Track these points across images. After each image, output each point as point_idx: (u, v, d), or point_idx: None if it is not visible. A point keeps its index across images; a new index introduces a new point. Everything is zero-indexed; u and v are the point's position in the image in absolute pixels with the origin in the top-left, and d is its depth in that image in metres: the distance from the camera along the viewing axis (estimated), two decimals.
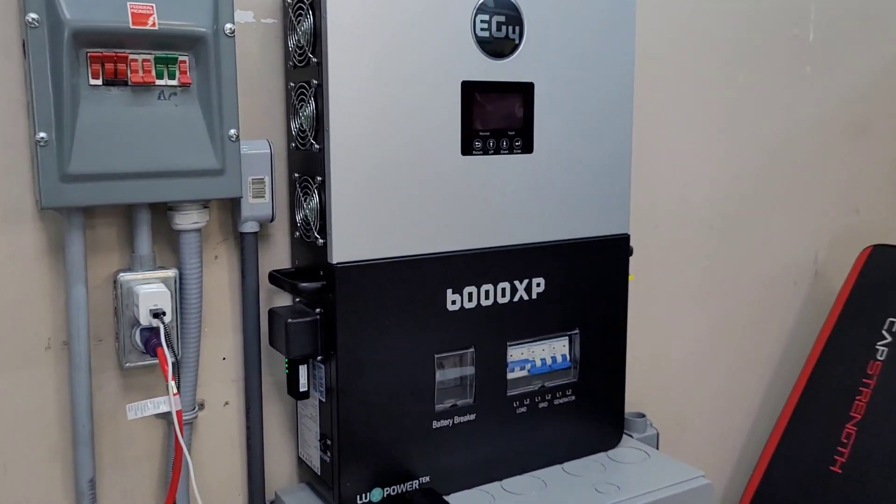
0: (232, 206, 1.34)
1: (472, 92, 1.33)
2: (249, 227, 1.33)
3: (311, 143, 1.28)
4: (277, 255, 1.41)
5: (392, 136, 1.27)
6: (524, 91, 1.39)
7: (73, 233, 1.20)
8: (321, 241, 1.28)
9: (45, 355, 1.24)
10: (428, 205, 1.32)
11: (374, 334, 1.29)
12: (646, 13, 1.72)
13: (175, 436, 1.19)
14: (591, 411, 1.56)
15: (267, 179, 1.31)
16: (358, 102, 1.23)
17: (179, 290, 1.29)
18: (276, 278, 1.35)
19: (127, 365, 1.24)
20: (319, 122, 1.25)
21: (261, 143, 1.31)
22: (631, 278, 1.60)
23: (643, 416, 1.79)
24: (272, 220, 1.33)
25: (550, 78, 1.40)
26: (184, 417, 1.32)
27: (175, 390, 1.17)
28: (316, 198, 1.28)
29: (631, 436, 1.74)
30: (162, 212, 1.28)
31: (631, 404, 1.85)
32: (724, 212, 1.99)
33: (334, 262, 1.25)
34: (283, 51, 1.35)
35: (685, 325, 1.98)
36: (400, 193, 1.29)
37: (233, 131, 1.23)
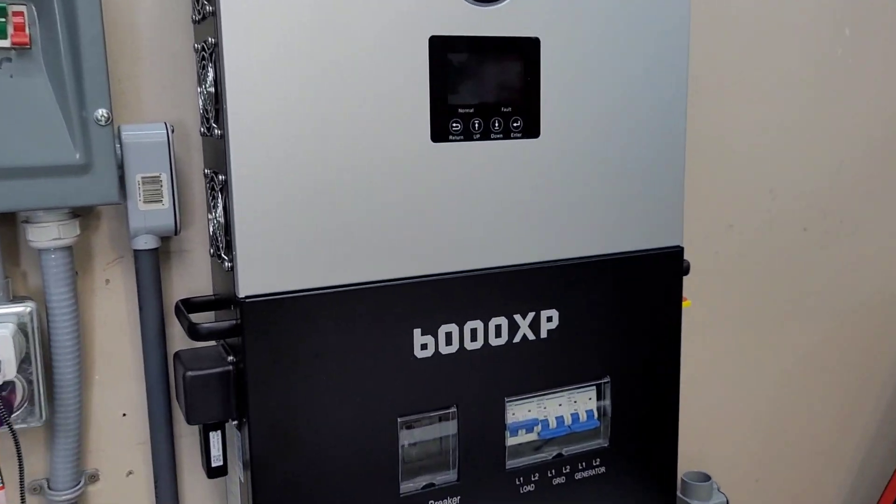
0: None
1: (445, 52, 0.94)
2: (143, 242, 0.97)
3: (213, 127, 0.91)
4: (197, 277, 1.06)
5: (323, 115, 0.89)
6: (525, 50, 0.98)
7: None
8: (228, 263, 0.91)
9: None
10: (381, 212, 0.94)
11: (304, 392, 0.93)
12: None
13: None
14: (629, 486, 1.15)
15: (164, 177, 0.96)
16: (267, 68, 0.86)
17: (49, 328, 0.95)
18: (179, 311, 0.99)
19: None
20: (219, 98, 0.88)
21: (154, 127, 0.95)
22: (686, 304, 1.18)
23: (708, 478, 1.37)
24: (176, 232, 0.98)
25: (565, 30, 0.99)
26: (61, 496, 0.99)
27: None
28: (221, 203, 0.92)
29: None
30: (19, 225, 0.95)
31: (690, 462, 1.43)
32: (824, 209, 1.53)
33: (241, 295, 0.89)
34: None
35: (764, 359, 1.53)
36: (337, 197, 0.91)
37: (101, 112, 0.88)
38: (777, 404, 1.57)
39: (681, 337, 1.16)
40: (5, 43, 0.83)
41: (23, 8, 0.84)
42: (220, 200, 0.92)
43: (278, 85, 0.86)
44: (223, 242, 0.92)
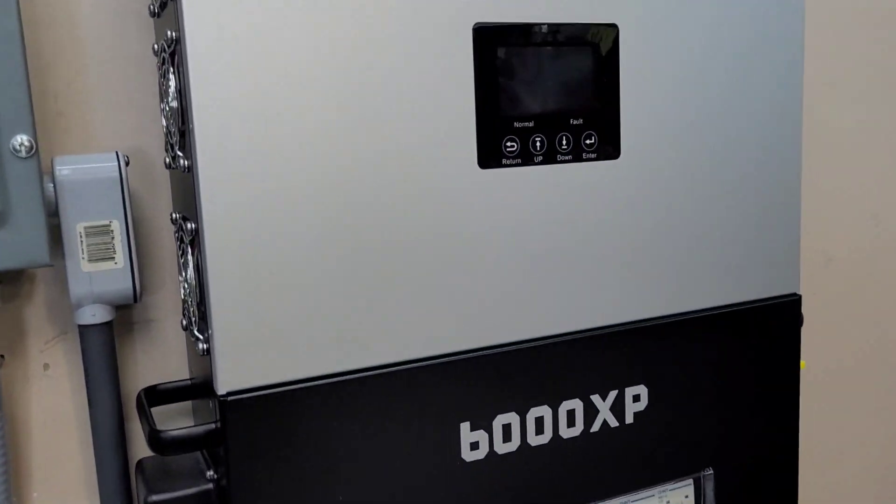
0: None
1: (495, 46, 0.69)
2: (90, 315, 0.72)
3: (178, 156, 0.66)
4: (167, 353, 0.80)
5: (329, 137, 0.64)
6: (599, 41, 0.73)
7: None
8: (204, 345, 0.65)
9: None
10: (412, 265, 0.68)
11: None
12: None
13: None
14: None
15: (117, 226, 0.70)
16: (251, 69, 0.61)
17: None
18: (140, 407, 0.73)
19: None
20: (185, 115, 0.63)
21: (101, 158, 0.70)
22: (802, 366, 0.92)
23: None
24: (136, 298, 0.72)
25: (652, 14, 0.74)
26: None
27: None
28: (192, 260, 0.66)
29: None
30: None
31: None
32: None
33: (221, 391, 0.63)
34: None
35: (882, 420, 1.26)
36: (352, 247, 0.66)
37: (20, 139, 0.63)
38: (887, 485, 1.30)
39: (799, 409, 0.90)
40: None
41: None
42: (191, 257, 0.66)
43: (265, 94, 0.61)
44: (196, 314, 0.67)
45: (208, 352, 0.65)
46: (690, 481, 0.85)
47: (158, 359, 0.79)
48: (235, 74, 0.60)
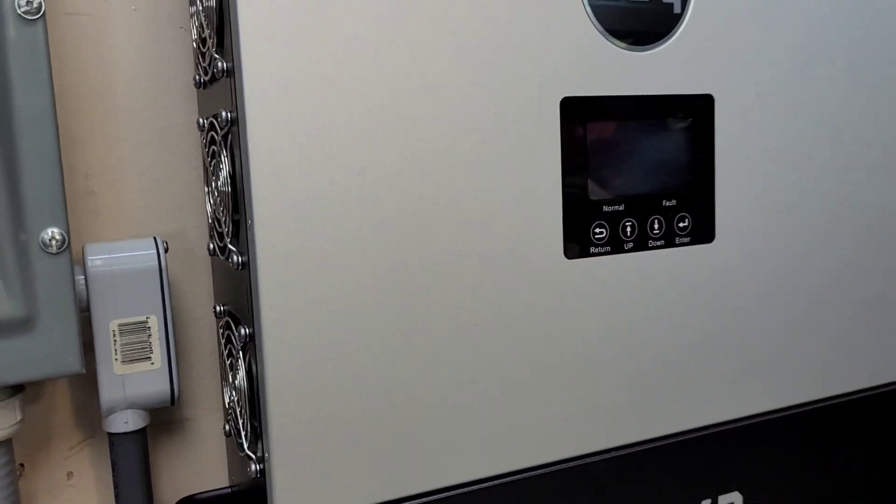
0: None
1: (586, 119, 0.61)
2: (122, 422, 0.63)
3: (230, 250, 0.58)
4: (204, 461, 0.71)
5: (402, 226, 0.56)
6: (694, 112, 0.65)
7: None
8: (257, 465, 0.57)
9: None
10: (493, 372, 0.60)
11: None
12: None
13: None
14: None
15: (155, 321, 0.62)
16: (313, 155, 0.53)
17: None
18: None
19: None
20: (238, 204, 0.55)
21: (138, 245, 0.62)
22: None
23: None
24: (172, 401, 0.64)
25: (749, 83, 0.67)
26: None
27: None
28: (243, 367, 0.58)
29: None
30: None
31: None
32: None
33: None
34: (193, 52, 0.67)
35: None
36: (430, 354, 0.57)
37: (51, 232, 0.55)
38: None
39: None
40: None
41: None
42: (242, 362, 0.58)
43: (332, 184, 0.53)
44: (247, 426, 0.59)
45: (263, 473, 0.56)
46: None
47: (193, 463, 0.71)
48: (306, 163, 0.52)
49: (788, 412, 0.72)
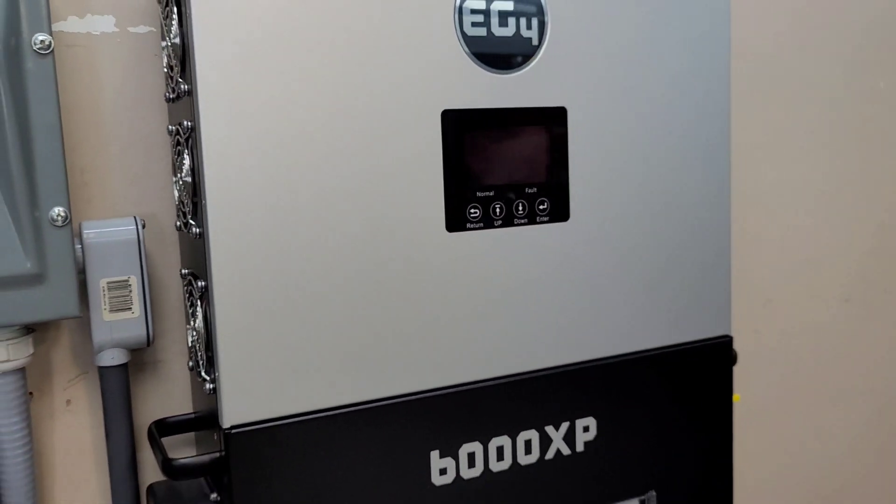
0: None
1: (461, 128, 0.81)
2: (109, 357, 0.83)
3: (191, 224, 0.78)
4: (173, 391, 0.91)
5: (318, 207, 0.75)
6: (550, 122, 0.85)
7: None
8: (210, 385, 0.77)
9: None
10: (389, 317, 0.79)
11: None
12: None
13: None
14: None
15: (134, 281, 0.81)
16: (251, 152, 0.72)
17: None
18: (151, 437, 0.84)
19: None
20: (197, 190, 0.74)
21: (121, 223, 0.81)
22: (737, 398, 1.04)
23: None
24: (148, 342, 0.83)
25: (596, 98, 0.87)
26: None
27: None
28: (201, 311, 0.78)
29: None
30: None
31: None
32: (867, 278, 1.40)
33: (226, 424, 0.74)
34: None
35: (815, 441, 1.38)
36: (337, 301, 0.77)
37: (57, 210, 0.74)
38: (831, 492, 1.41)
39: (732, 438, 1.01)
40: None
41: None
42: (199, 309, 0.78)
43: (265, 174, 0.73)
44: (203, 358, 0.78)
45: (214, 391, 0.76)
46: (637, 502, 0.96)
47: (165, 395, 0.90)
48: (245, 159, 0.72)
49: (630, 357, 0.92)
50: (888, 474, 1.48)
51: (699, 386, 0.98)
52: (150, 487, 0.83)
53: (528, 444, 0.87)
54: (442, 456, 0.83)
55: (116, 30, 0.84)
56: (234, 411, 0.74)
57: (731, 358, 1.01)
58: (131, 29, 0.85)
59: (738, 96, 1.20)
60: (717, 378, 0.99)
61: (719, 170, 0.96)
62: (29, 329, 0.80)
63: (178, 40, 0.75)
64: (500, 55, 0.82)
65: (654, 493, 0.96)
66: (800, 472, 1.38)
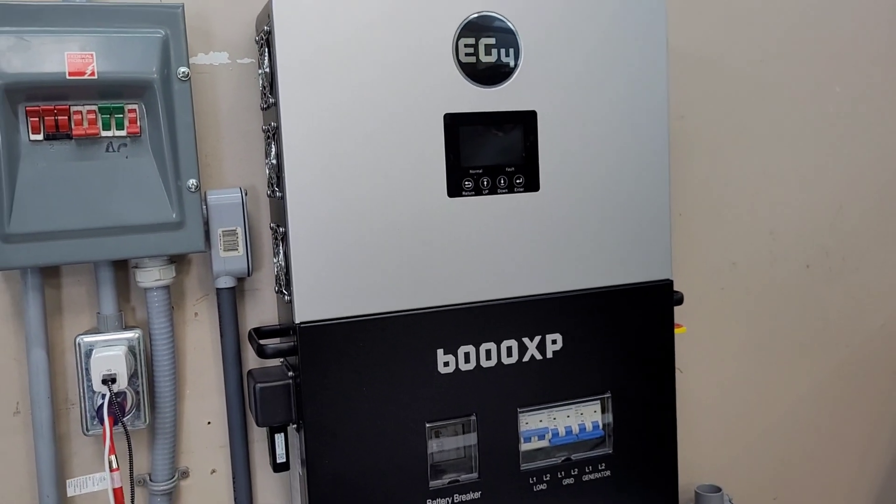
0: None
1: (458, 126, 1.18)
2: (223, 282, 1.23)
3: (276, 191, 1.17)
4: (265, 310, 1.31)
5: (361, 179, 1.13)
6: (524, 121, 1.21)
7: (31, 294, 1.15)
8: (287, 297, 1.16)
9: (12, 421, 1.20)
10: (408, 255, 1.17)
11: (348, 401, 1.15)
12: (702, 8, 1.50)
13: None
14: (634, 489, 1.33)
15: (240, 230, 1.21)
16: (316, 144, 1.11)
17: (152, 351, 1.21)
18: (251, 337, 1.24)
19: (91, 432, 1.17)
20: (280, 168, 1.14)
21: (231, 191, 1.22)
22: (681, 330, 1.37)
23: (718, 489, 1.53)
24: (249, 273, 1.23)
25: (558, 103, 1.22)
26: (159, 487, 1.24)
27: (115, 465, 1.09)
28: (282, 250, 1.17)
29: None
30: (130, 269, 1.22)
31: (707, 477, 1.59)
32: (826, 248, 1.69)
33: (297, 321, 1.13)
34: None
35: (775, 390, 1.68)
36: (373, 243, 1.15)
37: (192, 181, 1.14)
38: (789, 435, 1.71)
39: (674, 358, 1.34)
40: (122, 132, 1.11)
41: (135, 106, 1.12)
42: (281, 248, 1.17)
43: (325, 157, 1.11)
44: (284, 281, 1.17)
45: (290, 301, 1.15)
46: (597, 401, 1.30)
47: (259, 312, 1.30)
48: (311, 148, 1.10)
49: (589, 291, 1.26)
50: (825, 418, 1.76)
51: (645, 317, 1.31)
52: (250, 371, 1.23)
53: (509, 349, 1.23)
54: (445, 353, 1.20)
55: (229, 61, 1.25)
56: (303, 312, 1.13)
57: (673, 297, 1.34)
58: (239, 60, 1.25)
59: (696, 91, 1.52)
60: (661, 312, 1.33)
61: (659, 152, 1.29)
62: (172, 260, 1.20)
63: (268, 69, 1.14)
64: (486, 75, 1.18)
65: (609, 395, 1.30)
66: (758, 409, 1.68)
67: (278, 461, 1.22)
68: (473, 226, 1.20)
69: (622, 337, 1.30)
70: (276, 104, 1.11)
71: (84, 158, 1.10)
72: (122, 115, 1.11)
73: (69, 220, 1.10)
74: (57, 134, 1.08)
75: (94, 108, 1.10)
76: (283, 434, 1.22)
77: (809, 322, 1.69)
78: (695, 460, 1.60)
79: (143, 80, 1.10)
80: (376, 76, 1.13)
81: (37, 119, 1.08)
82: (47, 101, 1.08)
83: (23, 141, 1.08)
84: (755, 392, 1.66)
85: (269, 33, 1.11)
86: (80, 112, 1.09)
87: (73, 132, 1.09)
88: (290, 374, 1.18)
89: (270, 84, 1.14)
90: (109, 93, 1.10)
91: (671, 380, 1.34)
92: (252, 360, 1.29)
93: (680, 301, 1.35)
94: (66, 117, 1.08)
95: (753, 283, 1.63)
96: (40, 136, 1.08)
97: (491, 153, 1.20)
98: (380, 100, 1.13)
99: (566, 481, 1.28)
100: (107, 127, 1.11)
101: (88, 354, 1.15)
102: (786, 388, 1.69)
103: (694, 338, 1.56)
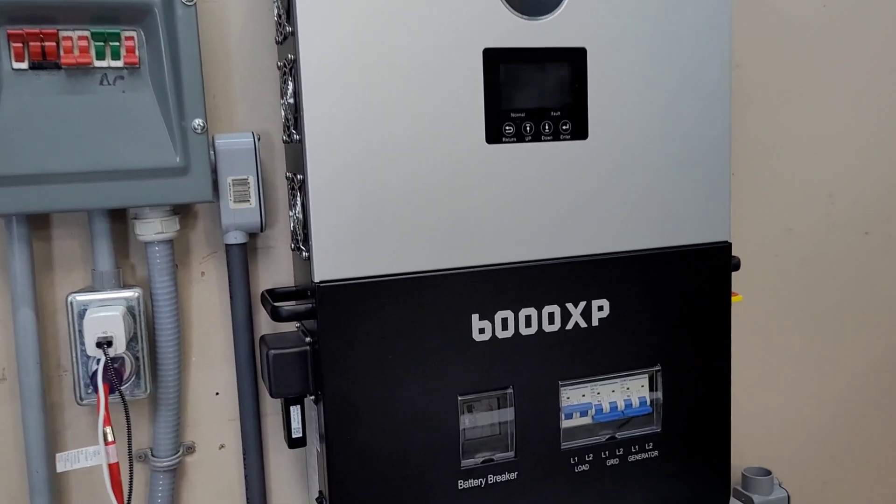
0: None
1: (498, 63, 1.04)
2: (233, 237, 1.10)
3: (293, 134, 1.04)
4: (279, 270, 1.18)
5: (388, 121, 1.00)
6: (573, 59, 1.07)
7: (16, 246, 1.02)
8: (305, 253, 1.03)
9: None
10: (441, 207, 1.04)
11: (372, 371, 1.03)
12: None
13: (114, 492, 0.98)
14: (682, 470, 1.21)
15: (252, 180, 1.08)
16: (339, 80, 0.98)
17: (153, 312, 1.09)
18: (264, 299, 1.11)
19: (85, 402, 1.05)
20: (298, 108, 1.00)
21: (243, 136, 1.08)
22: (737, 298, 1.24)
23: (768, 473, 1.41)
24: (262, 228, 1.10)
25: (610, 41, 1.08)
26: (161, 463, 1.12)
27: (110, 438, 0.97)
28: (300, 201, 1.04)
29: (751, 499, 1.37)
30: (129, 221, 1.09)
31: (754, 459, 1.47)
32: (886, 213, 1.55)
33: (316, 280, 1.00)
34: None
35: (828, 363, 1.55)
36: (401, 194, 1.02)
37: (198, 122, 1.01)
38: (843, 409, 1.58)
39: (730, 330, 1.21)
40: (118, 63, 0.98)
41: (133, 33, 0.98)
42: (298, 199, 1.04)
43: (349, 95, 0.98)
44: (301, 236, 1.04)
45: (309, 258, 1.02)
46: (645, 375, 1.18)
47: (273, 272, 1.17)
48: (334, 84, 0.97)
49: (640, 253, 1.13)
50: (882, 398, 1.63)
51: (700, 282, 1.18)
52: (262, 337, 1.10)
53: (551, 315, 1.10)
54: (481, 319, 1.07)
55: None
56: (323, 270, 1.00)
57: (731, 261, 1.20)
58: None
59: (758, 43, 1.38)
60: (717, 277, 1.20)
61: (719, 98, 1.15)
62: (175, 210, 1.08)
63: None
64: (531, 3, 1.04)
65: (659, 368, 1.17)
66: (811, 383, 1.55)
67: (294, 436, 1.09)
68: (514, 176, 1.06)
69: (674, 304, 1.17)
70: (293, 34, 0.98)
71: (75, 92, 0.97)
72: (117, 43, 0.98)
73: (58, 162, 0.97)
74: (44, 62, 0.95)
75: (87, 33, 0.97)
76: (299, 406, 1.09)
77: (867, 294, 1.56)
78: (740, 440, 1.47)
79: (142, 3, 0.97)
80: (407, 3, 0.99)
81: (20, 45, 0.94)
82: (32, 23, 0.94)
83: (4, 69, 0.95)
84: (807, 369, 1.54)
85: None
86: (71, 38, 0.96)
87: (62, 61, 0.96)
88: (308, 339, 1.05)
89: (287, 12, 1.00)
90: (104, 16, 0.97)
91: (727, 353, 1.22)
92: (265, 325, 1.16)
93: (737, 266, 1.22)
94: (55, 43, 0.95)
95: (809, 250, 1.50)
96: (24, 65, 0.95)
97: (535, 95, 1.06)
98: (411, 31, 1.00)
99: (610, 461, 1.16)
100: (101, 56, 0.97)
101: (82, 315, 1.03)
102: (840, 366, 1.56)
103: (743, 308, 1.43)
